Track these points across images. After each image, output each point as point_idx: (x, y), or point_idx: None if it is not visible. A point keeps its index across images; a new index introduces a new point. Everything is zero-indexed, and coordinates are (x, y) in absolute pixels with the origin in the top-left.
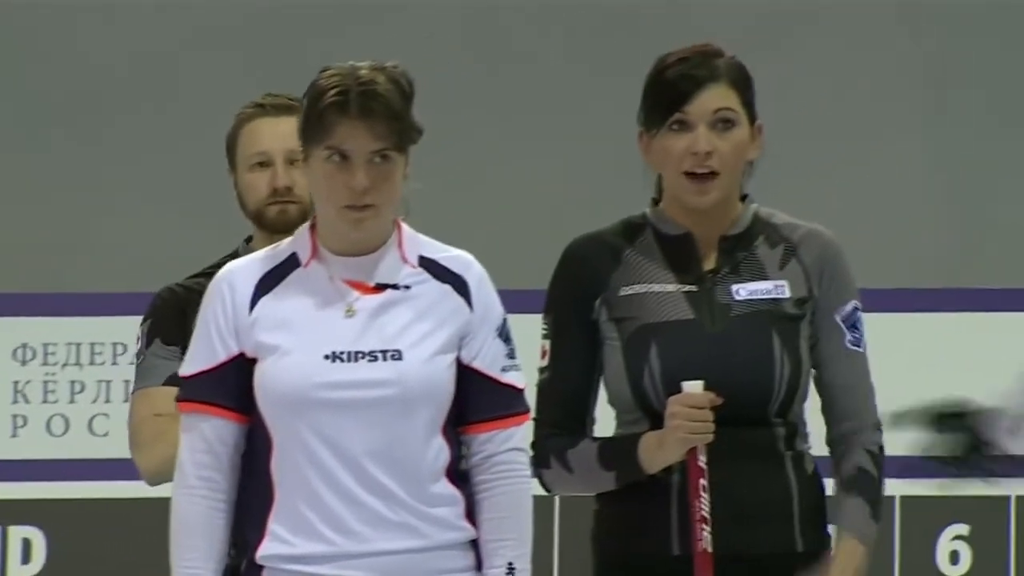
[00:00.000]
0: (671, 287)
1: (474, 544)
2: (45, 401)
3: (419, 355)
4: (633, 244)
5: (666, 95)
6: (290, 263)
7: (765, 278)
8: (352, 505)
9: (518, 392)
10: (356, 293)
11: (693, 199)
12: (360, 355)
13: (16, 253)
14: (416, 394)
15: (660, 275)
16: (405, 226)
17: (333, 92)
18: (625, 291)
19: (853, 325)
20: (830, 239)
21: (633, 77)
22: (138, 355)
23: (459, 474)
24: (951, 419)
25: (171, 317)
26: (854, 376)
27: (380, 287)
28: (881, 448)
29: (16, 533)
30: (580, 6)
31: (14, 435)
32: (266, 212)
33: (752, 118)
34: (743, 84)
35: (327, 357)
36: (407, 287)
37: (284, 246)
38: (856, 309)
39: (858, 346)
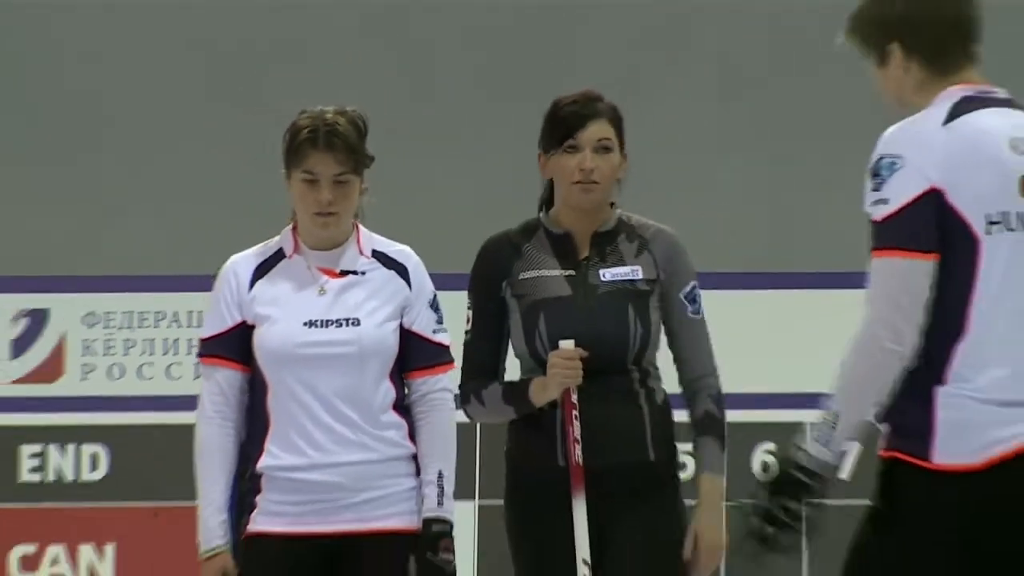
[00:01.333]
0: (555, 272)
1: (414, 458)
2: (106, 354)
3: (372, 322)
4: (530, 240)
5: (562, 126)
6: (278, 255)
7: (624, 264)
8: (324, 430)
9: (445, 348)
10: (326, 277)
11: (580, 200)
12: (329, 322)
13: (84, 245)
14: (370, 350)
15: (548, 263)
16: (362, 227)
17: (306, 130)
18: (523, 275)
19: (692, 299)
20: (673, 237)
21: (525, 119)
22: None
23: (403, 407)
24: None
25: None
26: (696, 337)
27: (344, 273)
28: (719, 391)
29: (86, 450)
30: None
31: (84, 379)
32: None
33: (622, 146)
34: (617, 122)
35: (305, 324)
36: (363, 273)
37: (273, 243)
38: (694, 287)
39: (697, 314)
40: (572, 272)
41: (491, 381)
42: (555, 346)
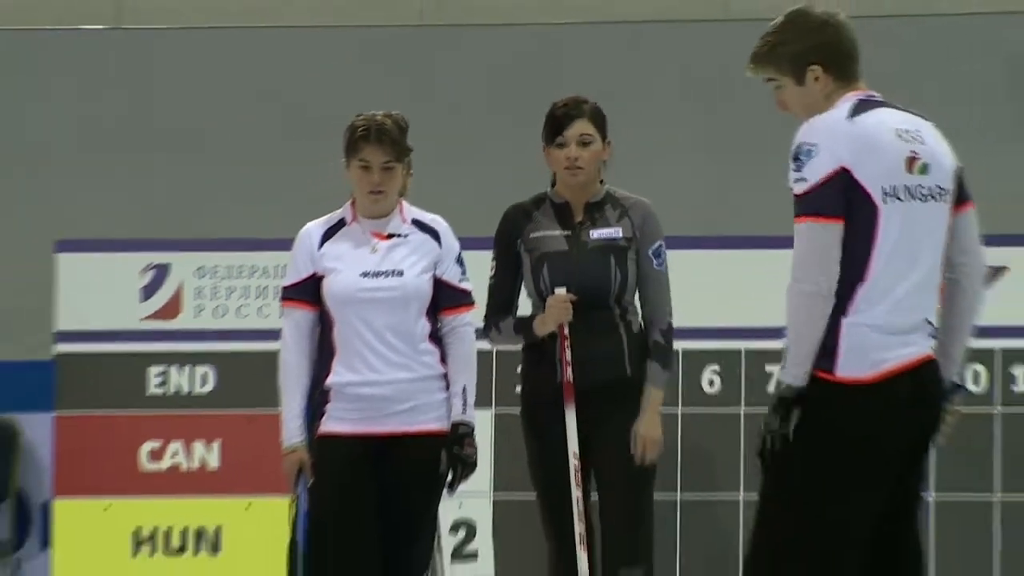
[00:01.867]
0: (556, 232)
1: (444, 376)
2: (213, 298)
3: (412, 273)
4: (539, 208)
5: (554, 125)
6: (340, 223)
7: (609, 226)
8: (376, 355)
9: (468, 293)
10: (377, 239)
11: (569, 181)
12: (380, 273)
13: (197, 215)
14: (411, 294)
15: (551, 225)
16: (404, 202)
17: (361, 128)
18: (533, 235)
19: (658, 255)
20: (647, 206)
21: (527, 127)
22: None
23: (436, 338)
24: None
25: None
26: (658, 284)
27: (390, 236)
28: (670, 325)
29: (198, 370)
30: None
31: (196, 316)
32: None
33: (604, 137)
34: (597, 118)
35: (362, 274)
36: (405, 236)
37: (337, 214)
38: (660, 246)
39: (661, 267)
40: (569, 232)
41: (507, 315)
42: (555, 289)
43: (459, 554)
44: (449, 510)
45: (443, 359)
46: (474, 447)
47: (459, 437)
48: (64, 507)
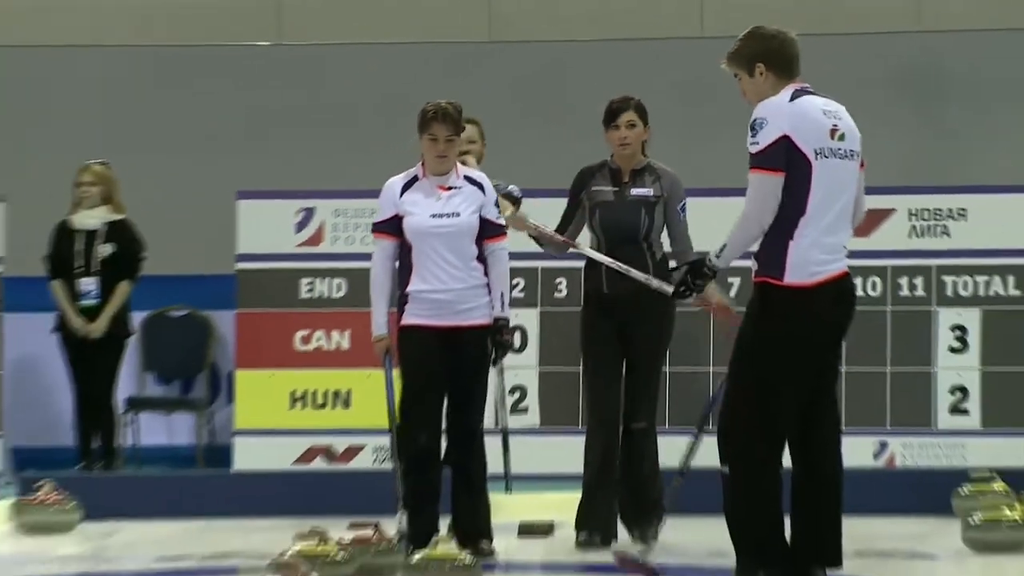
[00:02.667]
0: (608, 188)
1: (487, 286)
2: (345, 231)
3: (465, 214)
4: (601, 171)
5: (610, 114)
6: (415, 178)
7: (645, 187)
8: (441, 270)
9: (503, 227)
10: (440, 191)
11: (621, 154)
12: (443, 215)
13: (333, 175)
14: (464, 229)
15: (606, 183)
16: (459, 163)
17: (430, 112)
18: (593, 188)
19: (683, 210)
20: (674, 175)
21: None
22: None
23: (482, 259)
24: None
25: None
26: (681, 231)
27: (450, 188)
28: (695, 255)
29: (333, 281)
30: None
31: (332, 244)
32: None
33: (645, 123)
34: (641, 110)
35: (431, 216)
36: (460, 188)
37: (412, 171)
38: (683, 204)
39: (683, 219)
40: (617, 189)
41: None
42: (605, 228)
43: (515, 408)
44: (508, 379)
45: (486, 273)
46: (512, 335)
47: (499, 328)
48: (243, 376)
